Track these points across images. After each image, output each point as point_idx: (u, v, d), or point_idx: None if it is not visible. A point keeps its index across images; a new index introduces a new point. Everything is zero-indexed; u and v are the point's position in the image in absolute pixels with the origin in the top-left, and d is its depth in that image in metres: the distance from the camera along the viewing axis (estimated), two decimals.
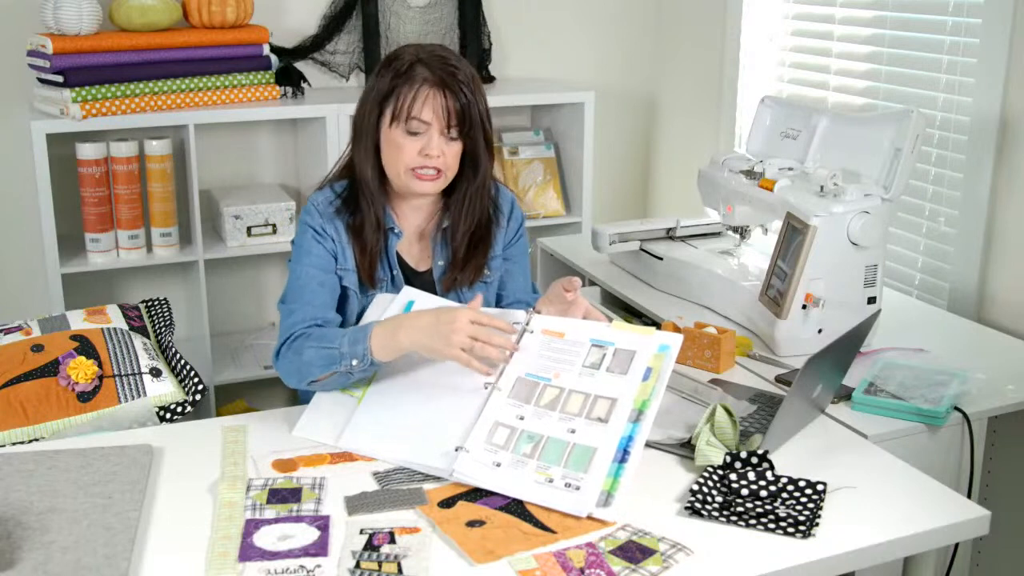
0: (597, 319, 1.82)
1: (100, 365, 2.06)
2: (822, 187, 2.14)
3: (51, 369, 2.04)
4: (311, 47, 3.27)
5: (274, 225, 3.06)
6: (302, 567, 1.37)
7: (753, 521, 1.48)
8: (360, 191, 1.90)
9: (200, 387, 2.10)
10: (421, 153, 1.82)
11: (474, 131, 1.84)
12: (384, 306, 1.89)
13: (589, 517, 1.49)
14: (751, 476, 1.55)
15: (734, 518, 1.49)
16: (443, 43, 3.38)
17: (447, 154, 1.84)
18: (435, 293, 1.93)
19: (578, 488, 1.53)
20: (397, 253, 1.94)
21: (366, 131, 1.88)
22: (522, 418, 1.65)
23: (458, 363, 1.68)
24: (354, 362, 1.73)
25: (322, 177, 2.00)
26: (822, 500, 1.53)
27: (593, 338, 1.75)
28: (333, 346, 1.75)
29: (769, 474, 1.56)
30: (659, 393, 1.64)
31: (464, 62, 1.86)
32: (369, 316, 1.89)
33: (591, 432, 1.61)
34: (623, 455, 1.56)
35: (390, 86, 1.83)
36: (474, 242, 1.94)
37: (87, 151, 2.85)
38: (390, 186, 1.92)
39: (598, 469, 1.55)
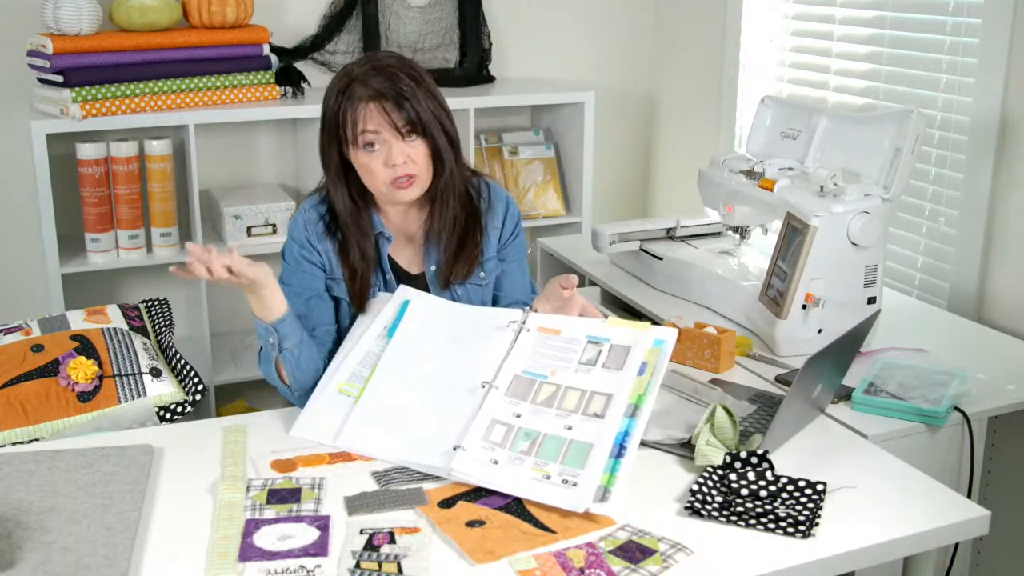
0: (593, 316, 1.82)
1: (100, 365, 2.06)
2: (822, 187, 2.14)
3: (51, 369, 2.04)
4: (311, 47, 3.27)
5: (274, 225, 3.06)
6: (302, 567, 1.37)
7: (753, 521, 1.48)
8: (339, 221, 1.90)
9: (200, 387, 2.10)
10: (387, 165, 1.81)
11: (429, 128, 1.82)
12: (380, 305, 1.89)
13: (586, 512, 1.49)
14: (751, 476, 1.55)
15: (734, 518, 1.49)
16: (443, 43, 3.40)
17: (413, 157, 1.82)
18: (429, 292, 1.93)
19: (575, 484, 1.53)
20: (390, 256, 1.94)
21: (331, 160, 1.87)
22: (519, 415, 1.66)
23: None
24: (271, 340, 1.78)
25: (321, 179, 2.00)
26: (822, 500, 1.53)
27: (589, 335, 1.75)
28: (260, 345, 1.83)
29: (769, 474, 1.56)
30: (654, 388, 1.64)
31: (405, 62, 1.84)
32: (366, 315, 1.89)
33: (587, 428, 1.61)
34: (619, 450, 1.56)
35: (335, 111, 1.83)
36: (460, 235, 1.93)
37: (87, 151, 2.85)
38: (375, 195, 1.91)
39: (595, 464, 1.55)
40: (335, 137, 1.84)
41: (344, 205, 1.88)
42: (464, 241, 1.94)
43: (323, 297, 1.90)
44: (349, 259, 1.89)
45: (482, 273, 1.97)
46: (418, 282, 1.96)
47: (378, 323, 1.86)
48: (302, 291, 1.87)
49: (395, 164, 1.80)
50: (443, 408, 1.70)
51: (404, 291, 1.90)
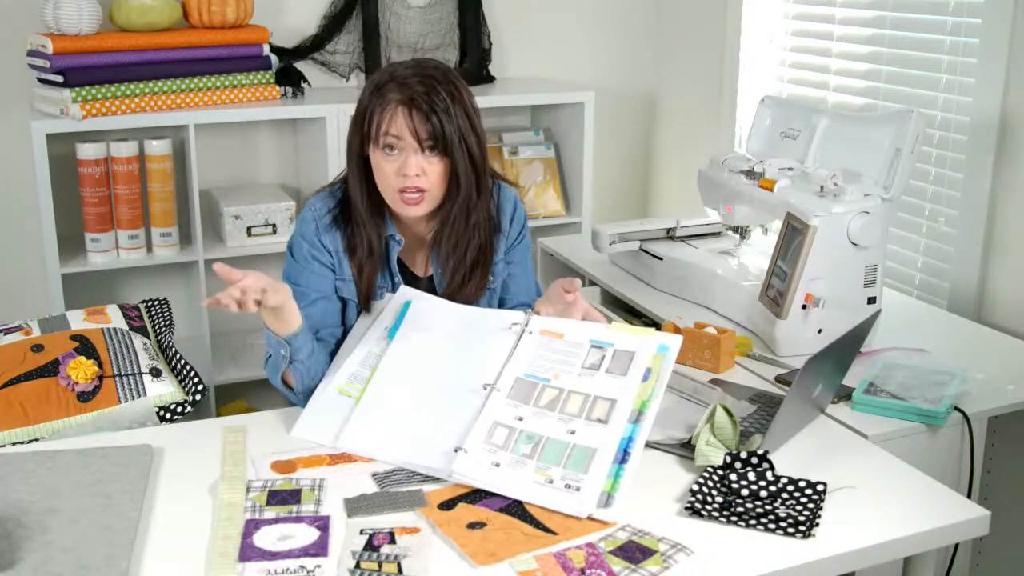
0: (596, 320, 1.82)
1: (100, 365, 2.06)
2: (822, 187, 2.14)
3: (51, 369, 2.04)
4: (311, 47, 3.27)
5: (274, 225, 3.06)
6: (302, 567, 1.37)
7: (753, 521, 1.48)
8: (352, 214, 1.88)
9: (200, 387, 2.10)
10: (399, 173, 1.78)
11: (452, 148, 1.78)
12: (381, 306, 1.89)
13: (590, 518, 1.49)
14: (751, 476, 1.55)
15: (734, 518, 1.49)
16: (443, 43, 3.39)
17: (428, 172, 1.79)
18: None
19: (578, 489, 1.53)
20: (399, 259, 1.94)
21: (353, 152, 1.86)
22: (521, 419, 1.65)
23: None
24: (282, 351, 1.77)
25: (322, 180, 1.99)
26: (822, 500, 1.53)
27: (592, 339, 1.75)
28: (267, 355, 1.83)
29: (769, 474, 1.56)
30: (659, 394, 1.64)
31: (449, 77, 1.81)
32: (366, 316, 1.89)
33: (591, 433, 1.60)
34: (623, 456, 1.56)
35: (367, 106, 1.81)
36: (470, 262, 1.91)
37: (87, 151, 2.85)
38: None
39: (598, 470, 1.55)
40: (360, 130, 1.83)
41: (360, 197, 1.87)
42: (473, 268, 1.92)
43: (331, 299, 1.89)
44: (356, 254, 1.88)
45: (490, 276, 1.96)
46: (426, 285, 1.96)
47: (379, 324, 1.86)
48: (309, 292, 1.86)
49: (406, 174, 1.78)
50: (444, 409, 1.70)
51: (405, 292, 1.89)
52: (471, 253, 1.91)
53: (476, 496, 1.55)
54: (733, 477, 1.56)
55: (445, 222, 1.88)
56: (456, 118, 1.78)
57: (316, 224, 1.88)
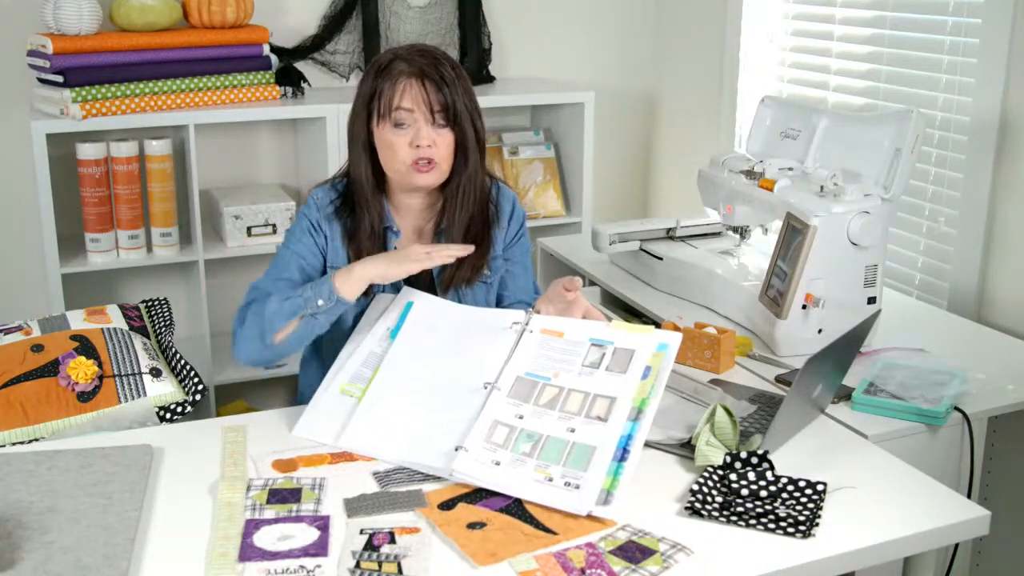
0: (597, 319, 1.82)
1: (100, 365, 2.06)
2: (822, 187, 2.14)
3: (51, 369, 2.03)
4: (311, 47, 3.27)
5: (274, 225, 3.06)
6: (302, 567, 1.37)
7: (753, 521, 1.48)
8: (356, 196, 1.91)
9: (200, 387, 2.10)
10: (412, 145, 1.82)
11: (460, 119, 1.84)
12: (383, 306, 1.89)
13: (589, 515, 1.49)
14: (751, 476, 1.55)
15: (734, 518, 1.49)
16: (443, 43, 3.40)
17: (439, 143, 1.84)
18: (434, 293, 1.93)
19: (578, 487, 1.53)
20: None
21: (357, 135, 1.89)
22: (521, 417, 1.66)
23: (416, 266, 1.76)
24: (319, 302, 1.77)
25: (323, 178, 2.01)
26: (822, 500, 1.53)
27: (592, 337, 1.75)
28: (296, 294, 1.80)
29: (769, 474, 1.56)
30: (658, 392, 1.64)
31: (448, 58, 1.87)
32: (369, 317, 1.89)
33: (590, 431, 1.61)
34: (623, 454, 1.56)
35: (373, 86, 1.85)
36: (471, 240, 1.93)
37: (87, 151, 2.85)
38: (388, 186, 1.92)
39: (598, 468, 1.55)
40: (366, 110, 1.86)
41: (365, 178, 1.90)
42: (473, 246, 1.93)
43: (313, 272, 1.91)
44: (357, 238, 1.90)
45: (487, 271, 1.97)
46: (423, 279, 1.96)
47: (381, 324, 1.86)
48: (298, 258, 1.90)
49: (419, 145, 1.82)
50: (445, 409, 1.70)
51: (408, 293, 1.90)
52: (474, 227, 1.94)
53: (476, 496, 1.55)
54: (733, 477, 1.56)
55: (453, 195, 1.91)
56: (461, 92, 1.84)
57: (319, 211, 1.93)
